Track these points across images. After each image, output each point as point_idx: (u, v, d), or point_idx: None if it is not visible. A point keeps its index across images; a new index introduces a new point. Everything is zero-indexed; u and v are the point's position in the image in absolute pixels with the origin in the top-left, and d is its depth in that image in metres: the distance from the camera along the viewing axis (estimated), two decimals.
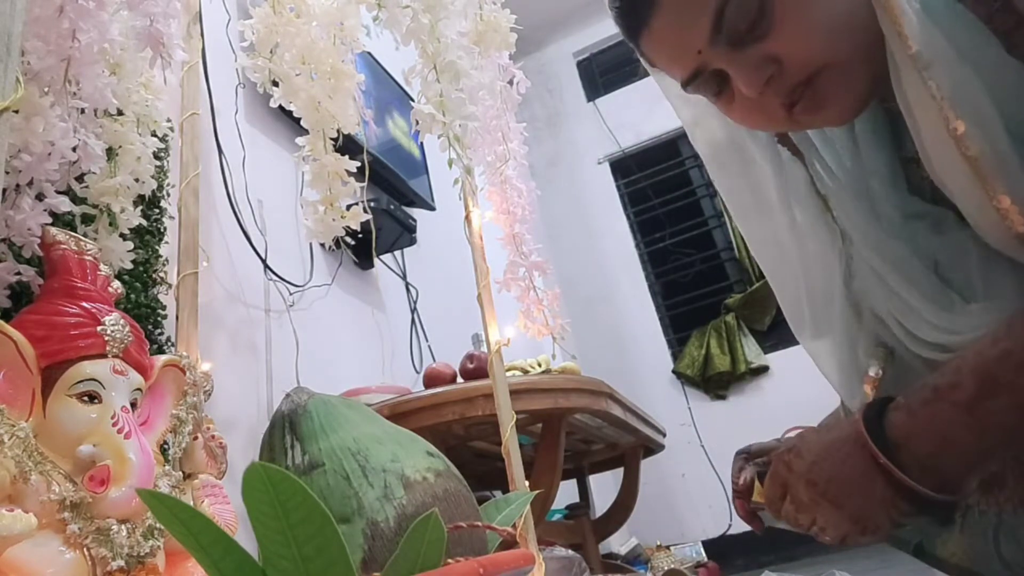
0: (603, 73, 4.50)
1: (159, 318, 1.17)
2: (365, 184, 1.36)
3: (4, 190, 0.81)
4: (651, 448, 2.38)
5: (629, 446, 2.30)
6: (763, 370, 3.65)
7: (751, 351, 3.69)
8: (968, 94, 0.56)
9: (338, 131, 1.32)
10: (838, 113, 0.66)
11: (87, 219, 1.00)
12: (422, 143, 2.62)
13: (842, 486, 0.59)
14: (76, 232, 0.86)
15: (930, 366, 0.65)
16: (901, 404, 0.58)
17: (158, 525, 0.72)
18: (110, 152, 1.00)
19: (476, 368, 1.65)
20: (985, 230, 0.58)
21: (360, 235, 1.41)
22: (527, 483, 1.14)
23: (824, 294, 0.74)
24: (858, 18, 0.59)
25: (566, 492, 2.24)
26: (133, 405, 0.75)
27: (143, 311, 1.13)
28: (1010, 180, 0.54)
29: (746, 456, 0.82)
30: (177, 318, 1.01)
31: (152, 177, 1.05)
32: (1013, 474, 0.64)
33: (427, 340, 2.42)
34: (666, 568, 2.27)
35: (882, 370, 0.69)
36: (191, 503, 0.81)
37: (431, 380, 1.68)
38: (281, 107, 1.29)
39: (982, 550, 0.65)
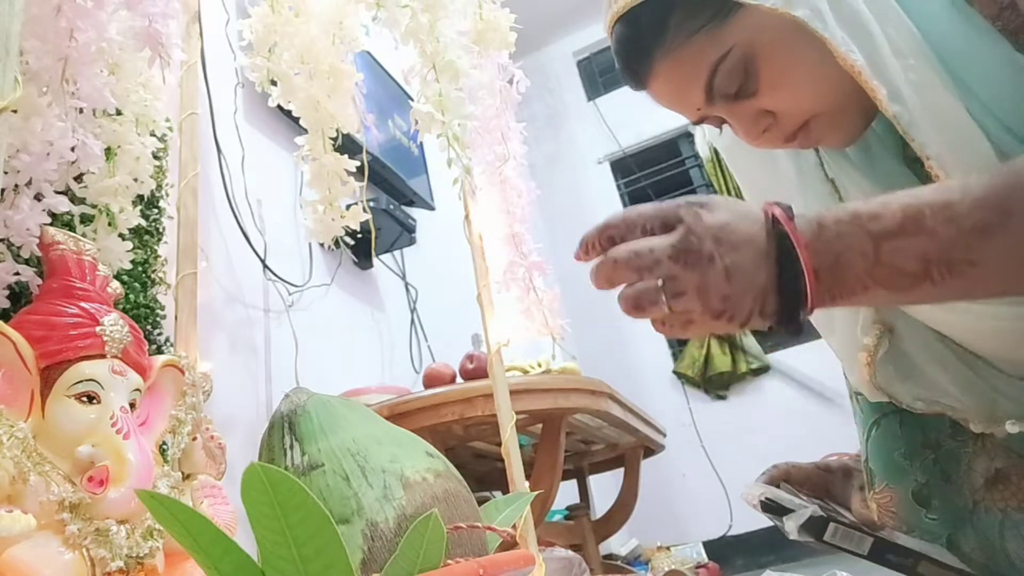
0: (603, 73, 4.50)
1: (158, 318, 1.17)
2: (364, 184, 1.36)
3: (3, 190, 0.81)
4: (651, 448, 2.37)
5: (629, 446, 2.29)
6: (764, 370, 3.65)
7: (752, 351, 3.69)
8: (958, 147, 0.58)
9: (337, 131, 1.32)
10: (837, 145, 0.71)
11: (86, 219, 0.99)
12: (421, 143, 2.61)
13: (740, 258, 0.52)
14: (75, 232, 0.85)
15: (939, 338, 0.67)
16: (812, 216, 0.53)
17: (157, 526, 0.72)
18: (109, 152, 0.99)
19: (476, 368, 1.65)
20: None
21: (359, 235, 1.41)
22: (527, 483, 1.14)
23: None
24: (844, 74, 0.62)
25: (566, 493, 2.24)
26: (132, 405, 0.75)
27: (142, 311, 1.13)
28: None
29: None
30: (176, 318, 1.01)
31: (151, 177, 1.05)
32: (1016, 472, 0.64)
33: (427, 340, 2.42)
34: (667, 569, 2.27)
35: (877, 344, 0.70)
36: (190, 504, 0.80)
37: (431, 380, 1.68)
38: (280, 107, 1.29)
39: (991, 547, 0.65)
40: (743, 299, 0.51)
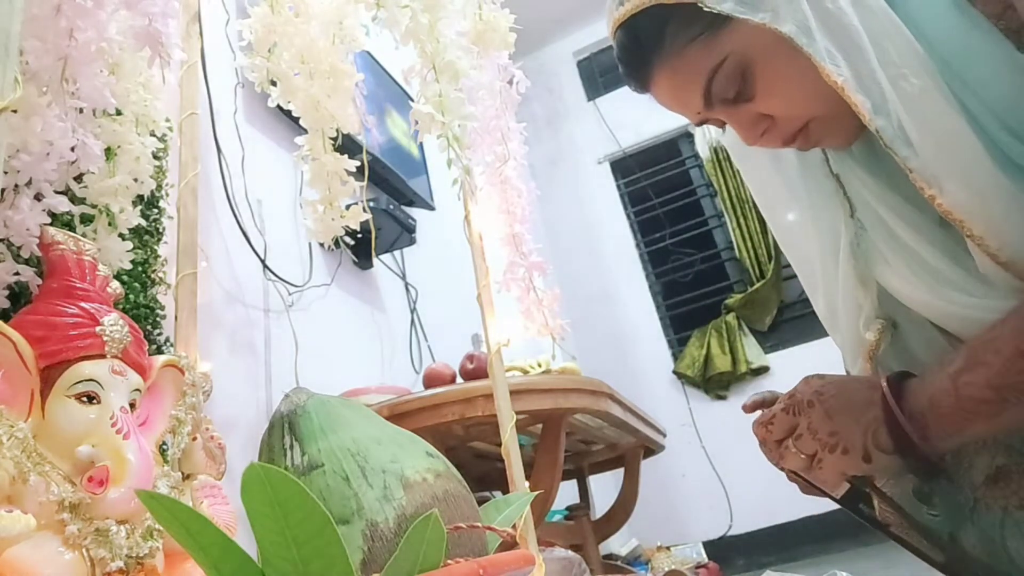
0: (603, 73, 4.50)
1: (158, 318, 1.17)
2: (364, 184, 1.36)
3: (3, 190, 0.80)
4: (651, 448, 2.37)
5: (629, 446, 2.29)
6: (764, 370, 3.64)
7: (752, 351, 3.68)
8: (951, 154, 0.60)
9: (337, 131, 1.31)
10: (836, 146, 0.73)
11: (86, 219, 0.99)
12: (421, 143, 2.61)
13: (842, 403, 0.65)
14: (75, 232, 0.85)
15: (941, 334, 0.69)
16: (921, 374, 0.64)
17: (157, 526, 0.72)
18: (109, 152, 0.99)
19: (476, 368, 1.65)
20: (992, 276, 0.63)
21: (359, 235, 1.41)
22: (527, 484, 1.14)
23: (833, 266, 0.77)
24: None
25: (566, 493, 2.24)
26: (132, 406, 0.75)
27: (142, 311, 1.12)
28: (996, 230, 0.59)
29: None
30: (176, 318, 1.01)
31: (151, 177, 1.05)
32: (1018, 470, 0.64)
33: (427, 340, 2.42)
34: (667, 569, 2.27)
35: (879, 339, 0.72)
36: (190, 504, 0.80)
37: (430, 380, 1.68)
38: (280, 107, 1.29)
39: (992, 545, 0.66)
40: (851, 433, 0.63)
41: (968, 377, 0.58)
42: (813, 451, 0.65)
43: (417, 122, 1.10)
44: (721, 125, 0.75)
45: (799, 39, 0.61)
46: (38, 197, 0.84)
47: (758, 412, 0.78)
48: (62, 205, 0.86)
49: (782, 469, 0.71)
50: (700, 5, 0.63)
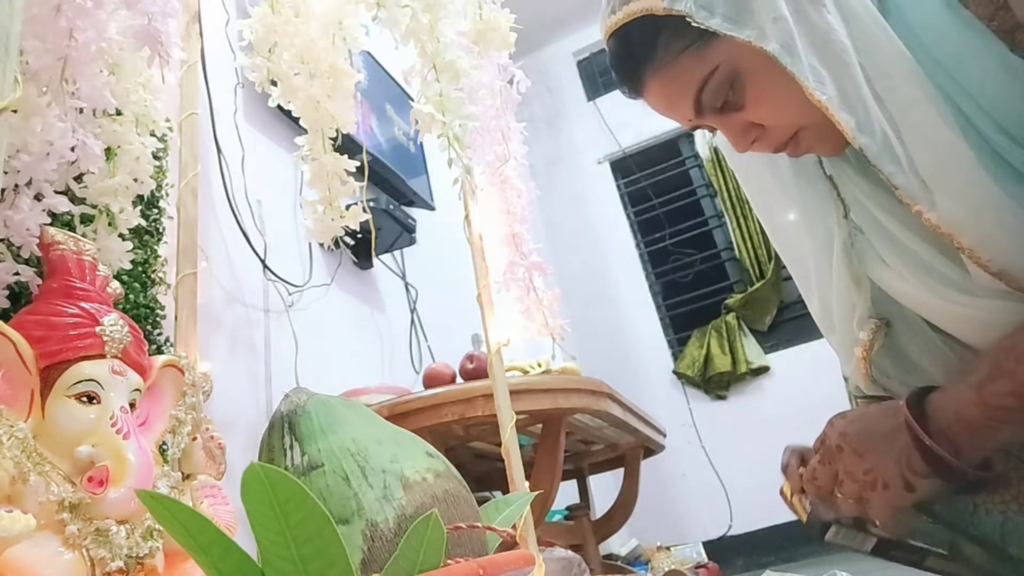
0: (603, 73, 4.49)
1: (158, 318, 1.17)
2: (364, 184, 1.36)
3: (3, 190, 0.81)
4: (651, 448, 2.37)
5: (629, 446, 2.29)
6: (764, 370, 3.65)
7: (752, 351, 3.68)
8: (941, 163, 0.61)
9: (337, 131, 1.31)
10: (826, 153, 0.73)
11: (86, 219, 0.99)
12: (421, 143, 2.61)
13: (868, 439, 0.65)
14: (75, 232, 0.85)
15: (934, 333, 0.69)
16: (941, 387, 0.63)
17: (157, 526, 0.72)
18: (109, 152, 0.99)
19: (476, 368, 1.65)
20: (983, 282, 0.63)
21: (359, 235, 1.41)
22: (527, 484, 1.14)
23: (827, 266, 0.77)
24: None
25: (566, 493, 2.24)
26: (132, 406, 0.75)
27: (142, 311, 1.12)
28: (987, 241, 0.60)
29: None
30: (176, 318, 1.01)
31: (151, 177, 1.05)
32: (1016, 475, 0.64)
33: (427, 340, 2.42)
34: (666, 569, 2.27)
35: (872, 339, 0.72)
36: (190, 504, 0.80)
37: (430, 380, 1.68)
38: (280, 107, 1.29)
39: (993, 550, 0.66)
40: (885, 466, 0.63)
41: (993, 387, 0.58)
42: (858, 494, 0.65)
43: (417, 122, 1.10)
44: (713, 130, 0.75)
45: (783, 58, 0.62)
46: (38, 197, 0.84)
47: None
48: (62, 205, 0.86)
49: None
50: (689, 20, 0.63)
